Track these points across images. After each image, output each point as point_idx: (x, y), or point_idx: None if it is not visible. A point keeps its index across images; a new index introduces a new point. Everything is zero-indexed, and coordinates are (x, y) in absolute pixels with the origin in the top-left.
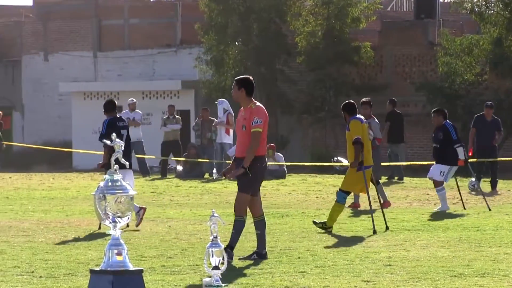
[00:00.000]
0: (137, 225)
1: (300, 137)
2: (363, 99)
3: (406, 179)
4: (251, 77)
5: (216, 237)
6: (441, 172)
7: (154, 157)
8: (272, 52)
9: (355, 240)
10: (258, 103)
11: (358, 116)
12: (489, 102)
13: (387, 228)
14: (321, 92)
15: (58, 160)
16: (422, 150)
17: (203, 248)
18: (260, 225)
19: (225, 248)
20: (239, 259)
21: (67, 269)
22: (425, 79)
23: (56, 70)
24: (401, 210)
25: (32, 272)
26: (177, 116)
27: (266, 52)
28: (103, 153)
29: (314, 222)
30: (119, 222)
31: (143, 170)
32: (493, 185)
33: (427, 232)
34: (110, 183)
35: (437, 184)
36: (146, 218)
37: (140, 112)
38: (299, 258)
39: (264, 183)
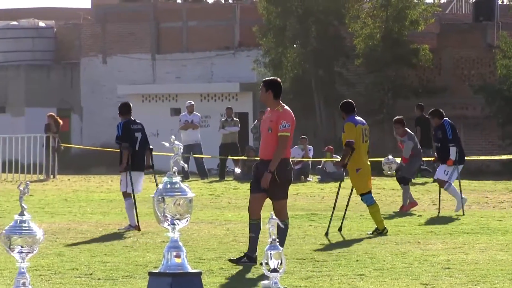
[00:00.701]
0: (119, 229)
1: None
2: (396, 118)
3: (464, 182)
4: (279, 80)
5: (274, 240)
6: (445, 171)
7: (209, 156)
8: (330, 54)
9: (414, 243)
10: (285, 107)
11: (354, 117)
12: None
13: (339, 229)
14: (379, 95)
15: (117, 162)
16: (481, 153)
17: (261, 251)
18: (256, 228)
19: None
20: (229, 260)
21: (125, 271)
22: (484, 81)
23: (115, 72)
24: (460, 213)
25: (91, 274)
26: (235, 119)
27: (324, 54)
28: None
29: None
30: (178, 224)
31: (201, 172)
32: None
33: (485, 235)
34: (169, 185)
35: (442, 184)
36: (204, 221)
37: (199, 114)
38: (357, 261)
39: (322, 185)
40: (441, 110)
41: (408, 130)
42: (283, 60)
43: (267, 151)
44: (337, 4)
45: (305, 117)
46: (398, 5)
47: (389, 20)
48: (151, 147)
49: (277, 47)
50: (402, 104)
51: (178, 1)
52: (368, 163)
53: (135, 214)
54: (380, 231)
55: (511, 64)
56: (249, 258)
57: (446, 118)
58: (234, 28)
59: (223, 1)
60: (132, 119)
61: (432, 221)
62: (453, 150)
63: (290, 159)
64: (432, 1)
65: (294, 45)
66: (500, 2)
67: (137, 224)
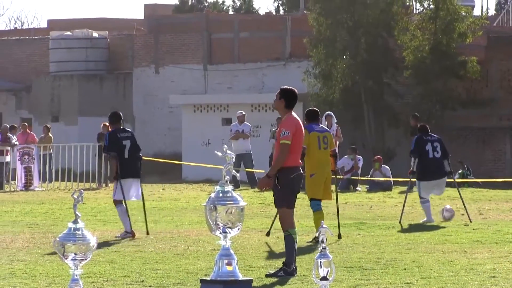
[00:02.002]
0: (116, 237)
1: (406, 150)
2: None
3: (510, 192)
4: (295, 90)
5: (325, 248)
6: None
7: (262, 171)
8: (379, 66)
9: (460, 251)
10: (292, 115)
11: (311, 125)
12: None
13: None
14: (428, 106)
15: (168, 171)
16: None
17: (311, 259)
18: (288, 241)
19: (282, 267)
20: (266, 275)
21: (176, 278)
22: None
23: (167, 82)
24: (506, 223)
25: (142, 281)
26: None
27: (374, 66)
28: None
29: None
30: (230, 232)
31: (252, 181)
32: None
33: None
34: (221, 194)
35: (420, 197)
36: (254, 229)
37: (249, 124)
38: (405, 269)
39: (370, 195)
40: (423, 126)
41: None
42: (333, 71)
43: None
44: (387, 17)
45: (354, 128)
46: (447, 17)
47: (437, 33)
48: (140, 154)
49: (327, 58)
50: (450, 115)
51: (230, 12)
52: (328, 170)
53: (129, 221)
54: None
55: None
56: (285, 272)
57: (421, 134)
58: (285, 39)
59: (274, 13)
60: (121, 127)
61: (478, 231)
62: (413, 161)
63: (340, 168)
64: (480, 14)
65: (344, 57)
66: None
67: (132, 230)
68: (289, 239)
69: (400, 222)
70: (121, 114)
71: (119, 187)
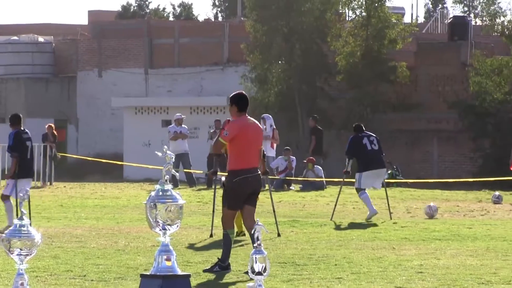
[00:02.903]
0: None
1: (338, 151)
2: None
3: (437, 191)
4: (242, 93)
5: (260, 245)
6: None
7: (201, 171)
8: (313, 70)
9: (389, 248)
10: (241, 118)
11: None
12: None
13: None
14: (359, 109)
15: (110, 171)
16: (453, 165)
17: (246, 255)
18: (225, 240)
19: (217, 263)
20: (203, 271)
21: (117, 273)
22: (457, 97)
23: (109, 86)
24: (432, 221)
25: (84, 276)
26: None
27: (308, 70)
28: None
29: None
30: (169, 229)
31: (190, 181)
32: None
33: (456, 241)
34: (161, 193)
35: (357, 191)
36: (192, 226)
37: (186, 126)
38: (336, 265)
39: (303, 194)
40: (358, 125)
41: None
42: (269, 75)
43: (230, 161)
44: (320, 24)
45: (288, 130)
46: (378, 24)
47: (369, 39)
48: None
49: (263, 63)
50: (381, 118)
51: (170, 19)
52: None
53: (14, 216)
54: (239, 233)
55: (483, 81)
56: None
57: (357, 134)
58: (223, 45)
59: (213, 19)
60: (22, 129)
61: (406, 228)
62: (347, 161)
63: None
64: (410, 21)
65: (279, 62)
66: (473, 23)
67: None
68: (227, 237)
69: (331, 219)
70: (21, 116)
71: (13, 184)
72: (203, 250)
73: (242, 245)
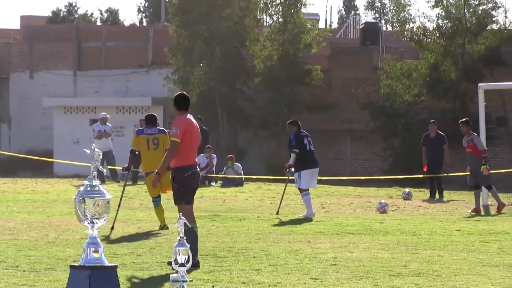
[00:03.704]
0: None
1: (257, 149)
2: (462, 120)
3: (350, 188)
4: (182, 93)
5: (182, 238)
6: (295, 179)
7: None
8: (233, 73)
9: (305, 241)
10: (183, 116)
11: (143, 129)
12: (432, 120)
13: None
14: (276, 110)
15: (41, 167)
16: (366, 163)
17: (170, 247)
18: (190, 234)
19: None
20: (168, 262)
21: (48, 264)
22: (369, 99)
23: (40, 86)
24: (346, 216)
25: (17, 266)
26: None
27: (228, 73)
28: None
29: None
30: (97, 223)
31: (114, 176)
32: (440, 194)
33: (368, 235)
34: (89, 188)
35: (301, 191)
36: (118, 220)
37: (110, 125)
38: (254, 257)
39: (223, 189)
40: (296, 121)
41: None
42: (191, 77)
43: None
44: (239, 28)
45: (209, 129)
46: (294, 30)
47: (285, 43)
48: None
49: (185, 66)
50: (297, 118)
51: (98, 23)
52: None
53: None
54: (162, 227)
55: (394, 84)
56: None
57: (298, 130)
58: (148, 48)
59: (138, 24)
60: None
61: (321, 223)
62: (292, 157)
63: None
64: (324, 27)
65: (201, 64)
66: (384, 29)
67: None
68: (191, 233)
69: (277, 213)
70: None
71: None
72: (129, 242)
73: (167, 238)
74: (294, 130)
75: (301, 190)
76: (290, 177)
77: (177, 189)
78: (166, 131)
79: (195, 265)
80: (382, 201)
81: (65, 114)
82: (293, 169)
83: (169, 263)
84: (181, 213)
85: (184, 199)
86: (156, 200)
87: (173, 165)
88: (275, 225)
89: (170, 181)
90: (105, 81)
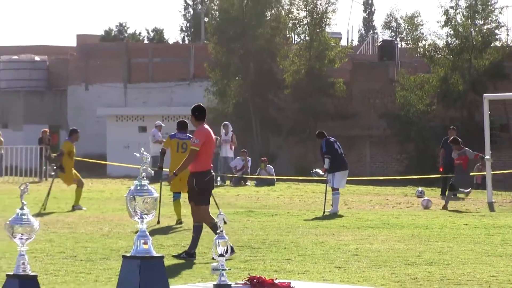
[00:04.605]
0: None
1: (286, 153)
2: (452, 138)
3: (370, 187)
4: (199, 105)
5: (222, 231)
6: (328, 179)
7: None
8: (265, 85)
9: (329, 234)
10: (203, 126)
11: (175, 133)
12: (452, 126)
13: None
14: (303, 118)
15: (95, 169)
16: (383, 165)
17: (210, 240)
18: (197, 229)
19: (186, 251)
20: (173, 256)
21: (102, 254)
22: (386, 108)
23: (95, 97)
24: (366, 212)
25: (75, 256)
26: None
27: (260, 85)
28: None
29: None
30: (146, 218)
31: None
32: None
33: (386, 229)
34: (139, 187)
35: (333, 189)
36: (164, 215)
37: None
38: (285, 248)
39: (257, 188)
40: (322, 132)
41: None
42: (227, 89)
43: (192, 164)
44: (271, 46)
45: (244, 135)
46: (319, 47)
47: (311, 59)
48: None
49: (222, 79)
50: (321, 126)
51: (145, 41)
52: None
53: None
54: (178, 221)
55: (408, 95)
56: (188, 254)
57: (327, 138)
58: (189, 64)
59: (181, 42)
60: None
61: (344, 218)
62: (326, 161)
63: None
64: (346, 44)
65: (236, 78)
66: (399, 46)
67: None
68: (198, 229)
69: (324, 213)
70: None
71: None
72: (174, 234)
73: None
74: (321, 139)
75: (333, 189)
76: (316, 178)
77: (198, 192)
78: None
79: (191, 256)
80: (426, 197)
81: (116, 122)
82: (319, 171)
83: (176, 256)
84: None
85: (204, 201)
86: (176, 196)
87: (194, 170)
88: (304, 220)
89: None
90: (152, 92)
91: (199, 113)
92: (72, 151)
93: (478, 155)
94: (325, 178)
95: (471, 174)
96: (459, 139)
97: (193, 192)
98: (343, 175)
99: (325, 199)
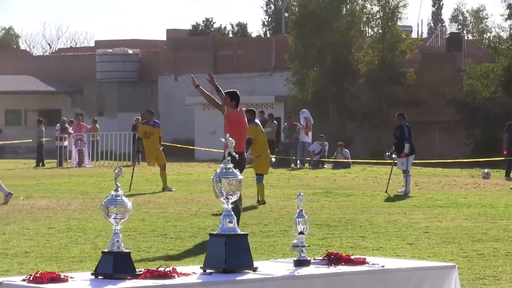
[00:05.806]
0: (5, 202)
1: (361, 138)
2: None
3: (438, 169)
4: (237, 91)
5: (301, 210)
6: (401, 162)
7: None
8: (341, 75)
9: (401, 213)
10: (237, 109)
11: (255, 120)
12: None
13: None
14: (377, 105)
15: (184, 153)
16: (451, 148)
17: (291, 218)
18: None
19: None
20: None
21: (191, 232)
22: (454, 96)
23: (183, 87)
24: (435, 192)
25: (165, 234)
26: (274, 122)
27: (337, 75)
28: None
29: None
30: (231, 198)
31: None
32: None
33: (454, 208)
34: (224, 170)
35: (405, 172)
36: (248, 196)
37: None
38: (360, 226)
39: (334, 171)
40: (403, 114)
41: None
42: (306, 79)
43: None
44: (346, 39)
45: (322, 121)
46: (391, 39)
47: (384, 51)
48: None
49: (301, 69)
50: (393, 112)
51: (230, 35)
52: (268, 152)
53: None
54: (261, 202)
55: (474, 83)
56: None
57: (405, 123)
58: (271, 56)
59: (263, 36)
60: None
61: (415, 198)
62: (406, 146)
63: (312, 151)
64: (416, 36)
65: (314, 68)
66: (466, 38)
67: (8, 191)
68: (236, 209)
69: (386, 191)
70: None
71: None
72: (257, 214)
73: (288, 211)
74: (402, 121)
75: (405, 171)
76: (388, 160)
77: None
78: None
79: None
80: (486, 170)
81: (203, 110)
82: (393, 155)
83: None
84: (300, 190)
85: None
86: (260, 178)
87: (239, 149)
88: (377, 200)
89: (268, 163)
90: (236, 82)
91: (236, 97)
92: (147, 132)
93: None
94: (395, 161)
95: None
96: None
97: None
98: (413, 158)
99: (389, 180)
